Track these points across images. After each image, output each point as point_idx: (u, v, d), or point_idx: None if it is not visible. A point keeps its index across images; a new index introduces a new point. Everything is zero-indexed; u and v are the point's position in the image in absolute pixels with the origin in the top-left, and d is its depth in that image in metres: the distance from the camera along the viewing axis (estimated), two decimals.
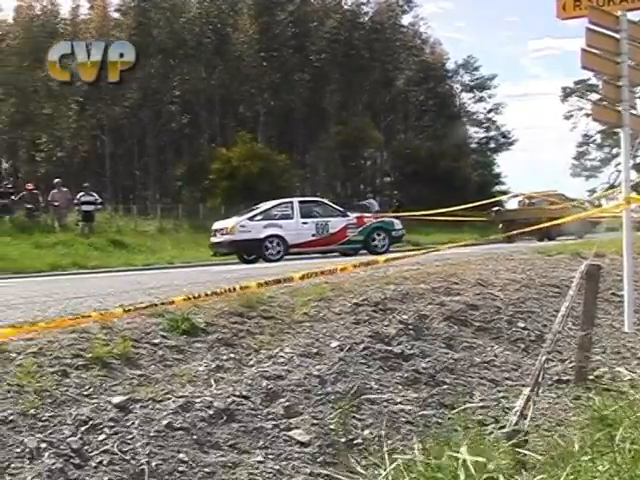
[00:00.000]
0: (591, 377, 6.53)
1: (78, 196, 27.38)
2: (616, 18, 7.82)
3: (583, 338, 6.51)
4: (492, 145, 66.05)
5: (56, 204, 27.56)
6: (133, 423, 4.45)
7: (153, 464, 4.21)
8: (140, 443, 4.32)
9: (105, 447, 4.22)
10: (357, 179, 59.05)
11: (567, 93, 68.58)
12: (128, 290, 8.02)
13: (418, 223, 29.82)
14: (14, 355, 4.74)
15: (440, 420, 5.34)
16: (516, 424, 4.42)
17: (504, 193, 46.32)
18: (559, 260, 10.56)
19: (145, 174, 51.42)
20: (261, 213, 20.65)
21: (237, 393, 5.01)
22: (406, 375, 5.94)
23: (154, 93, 47.82)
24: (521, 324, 7.54)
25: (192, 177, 45.22)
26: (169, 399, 4.73)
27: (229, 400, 4.90)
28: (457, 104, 65.83)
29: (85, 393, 4.59)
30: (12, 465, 3.93)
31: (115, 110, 47.89)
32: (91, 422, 4.35)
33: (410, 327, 6.68)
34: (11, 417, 4.19)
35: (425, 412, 5.44)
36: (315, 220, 20.56)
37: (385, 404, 5.44)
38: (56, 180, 28.51)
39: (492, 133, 66.12)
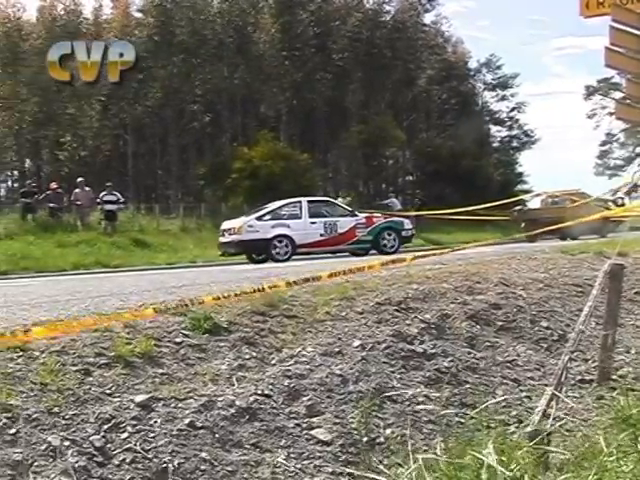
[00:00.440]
0: (614, 377, 6.49)
1: (101, 195, 27.53)
2: (639, 16, 7.77)
3: (606, 338, 6.48)
4: (514, 144, 65.57)
5: (79, 203, 27.63)
6: (155, 422, 4.47)
7: (175, 462, 4.23)
8: (162, 441, 4.34)
9: (128, 445, 4.24)
10: (379, 178, 58.81)
11: (590, 92, 68.03)
12: (150, 289, 8.06)
13: (440, 222, 29.81)
14: (37, 353, 4.77)
15: (462, 419, 5.33)
16: (539, 424, 4.39)
17: (526, 192, 46.10)
18: (582, 259, 10.49)
19: (167, 173, 51.51)
20: (269, 213, 20.44)
21: (259, 392, 5.01)
22: (428, 374, 5.93)
23: (176, 92, 47.83)
24: (544, 323, 7.50)
25: (214, 176, 45.14)
26: (191, 398, 4.74)
27: (251, 399, 4.91)
28: (479, 103, 65.52)
29: (107, 392, 4.62)
30: (36, 463, 3.96)
31: (138, 109, 47.97)
32: (114, 420, 4.37)
33: (432, 326, 6.67)
34: (35, 415, 4.22)
35: (447, 411, 5.43)
36: (323, 220, 20.28)
37: (407, 403, 5.43)
38: (79, 179, 28.56)
39: (514, 132, 65.61)
